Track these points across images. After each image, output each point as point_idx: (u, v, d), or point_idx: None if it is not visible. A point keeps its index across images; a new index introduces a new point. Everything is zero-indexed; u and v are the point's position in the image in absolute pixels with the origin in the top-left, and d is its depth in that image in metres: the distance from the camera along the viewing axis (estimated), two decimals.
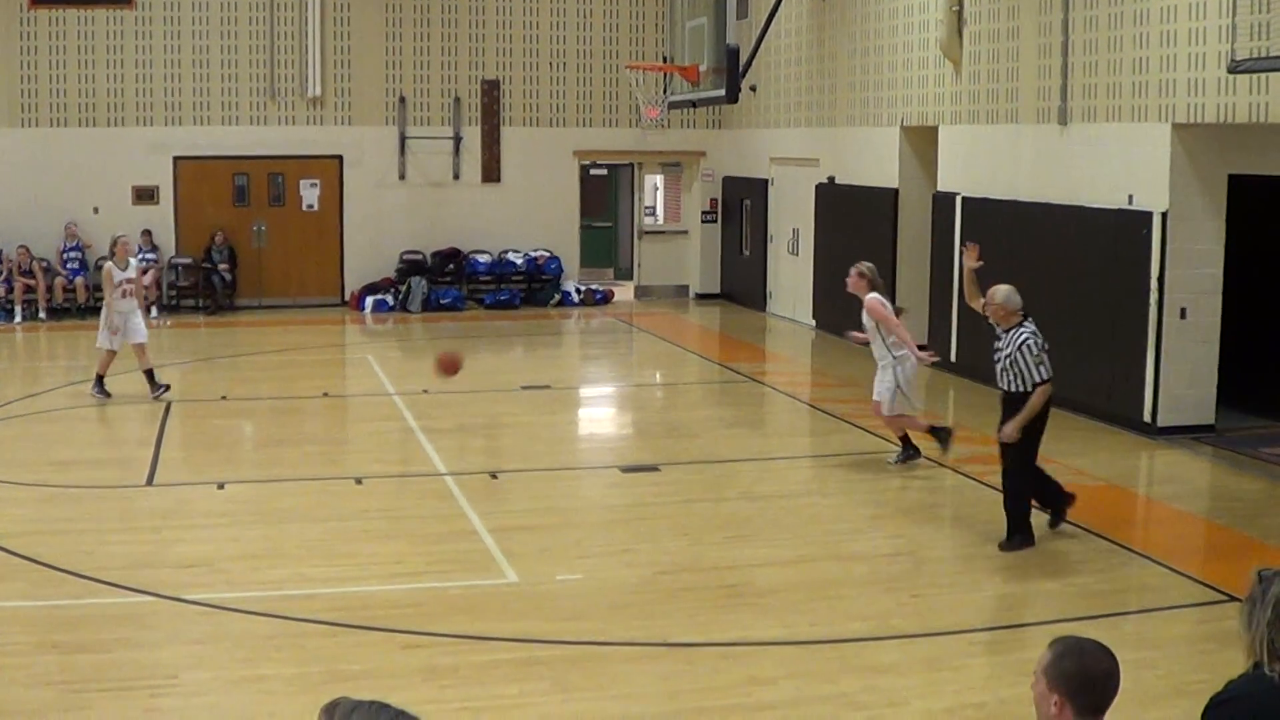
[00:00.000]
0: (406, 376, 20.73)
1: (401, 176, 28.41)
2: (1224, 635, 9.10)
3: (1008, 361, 11.67)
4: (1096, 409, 16.69)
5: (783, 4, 22.77)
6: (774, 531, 12.29)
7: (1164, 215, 15.55)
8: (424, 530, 12.41)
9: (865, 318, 14.67)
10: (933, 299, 20.55)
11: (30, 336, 24.60)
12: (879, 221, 22.13)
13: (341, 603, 10.30)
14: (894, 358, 14.48)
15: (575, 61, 29.16)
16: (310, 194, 28.26)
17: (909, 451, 14.78)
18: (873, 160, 22.55)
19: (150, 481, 14.13)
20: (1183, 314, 15.64)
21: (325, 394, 19.36)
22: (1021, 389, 11.59)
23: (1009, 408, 11.69)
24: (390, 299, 27.80)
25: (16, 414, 17.39)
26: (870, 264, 15.10)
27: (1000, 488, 12.11)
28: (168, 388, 18.28)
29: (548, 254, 28.88)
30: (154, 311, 26.60)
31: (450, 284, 28.28)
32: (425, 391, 19.07)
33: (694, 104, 22.30)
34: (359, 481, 14.06)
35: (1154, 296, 15.64)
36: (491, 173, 28.87)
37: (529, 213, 28.91)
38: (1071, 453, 15.17)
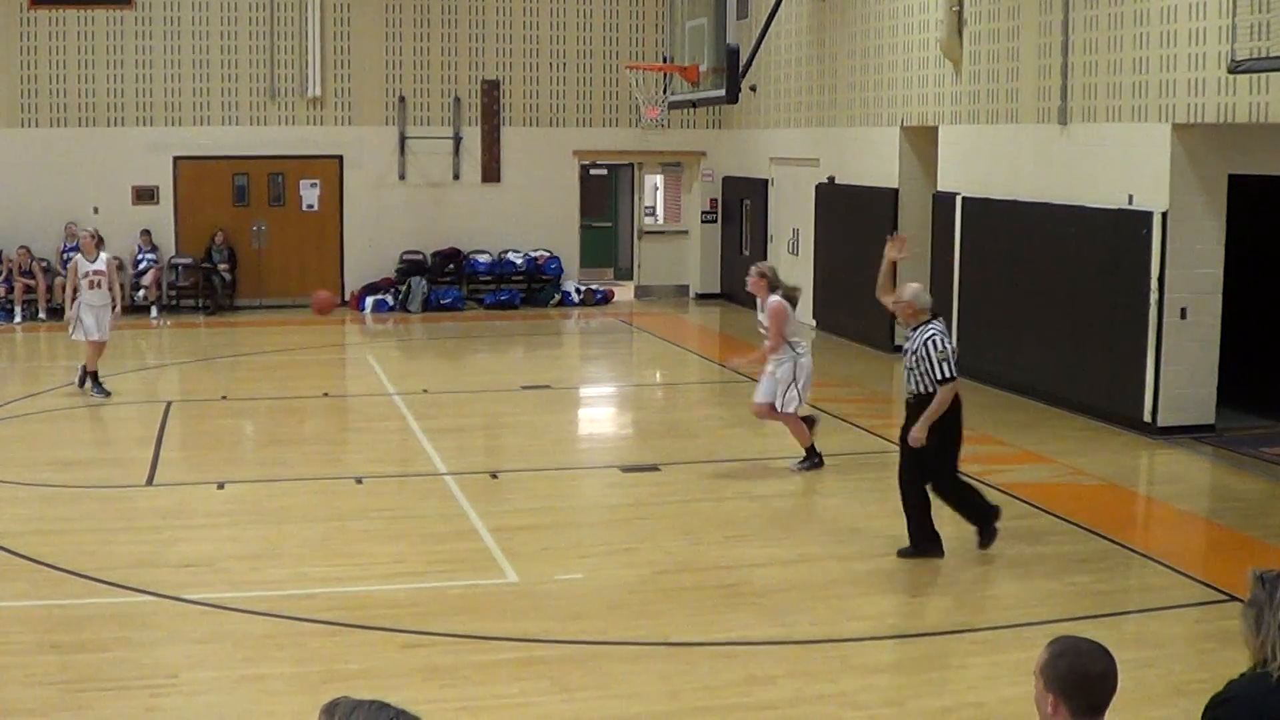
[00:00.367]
0: (406, 376, 20.75)
1: (401, 176, 28.41)
2: (1224, 635, 9.11)
3: (914, 360, 11.22)
4: (1096, 409, 16.70)
5: (783, 4, 22.78)
6: (774, 531, 12.29)
7: (1164, 215, 15.54)
8: (424, 530, 12.41)
9: (762, 318, 14.47)
10: (934, 298, 20.51)
11: (30, 336, 24.60)
12: (879, 221, 22.10)
13: (341, 602, 10.30)
14: (795, 353, 14.24)
15: (575, 61, 29.16)
16: (310, 194, 28.26)
17: (813, 459, 14.45)
18: (873, 160, 22.55)
19: (150, 481, 14.13)
20: (1183, 314, 15.65)
21: (325, 394, 19.36)
22: (928, 390, 11.14)
23: (914, 411, 11.26)
24: (390, 299, 27.80)
25: (17, 414, 17.39)
26: (771, 265, 14.99)
27: (901, 492, 11.58)
28: (107, 394, 18.19)
29: (548, 254, 28.89)
30: (154, 312, 26.68)
31: (450, 284, 28.28)
32: (425, 391, 19.09)
33: (694, 104, 22.32)
34: (359, 481, 14.06)
35: (1154, 296, 15.64)
36: (491, 173, 28.87)
37: (529, 213, 28.91)
38: (1071, 452, 15.20)
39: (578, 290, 28.92)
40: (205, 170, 27.61)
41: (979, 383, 18.89)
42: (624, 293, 30.31)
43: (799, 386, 14.25)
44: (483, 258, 28.59)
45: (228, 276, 27.38)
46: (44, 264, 26.10)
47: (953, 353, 11.21)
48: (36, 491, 13.68)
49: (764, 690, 8.72)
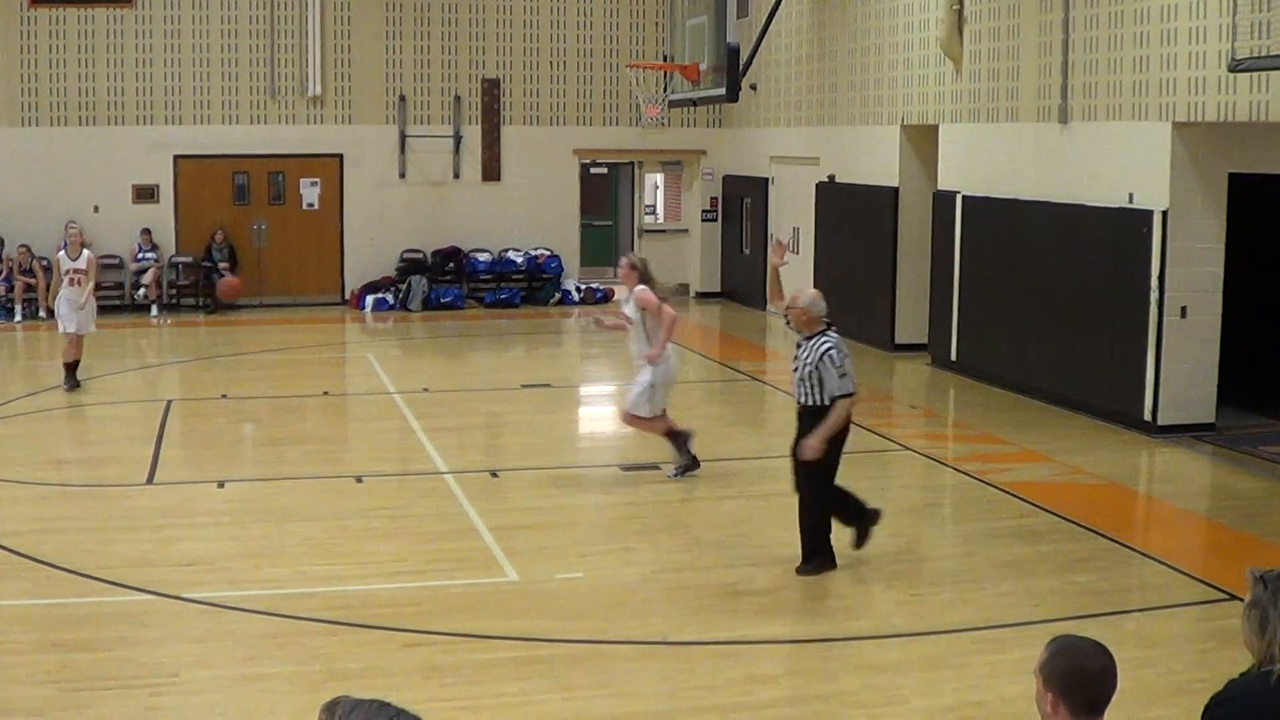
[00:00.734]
0: (407, 375, 20.75)
1: (402, 175, 28.40)
2: (1224, 634, 9.10)
3: (806, 372, 10.81)
4: (1097, 407, 16.70)
5: (783, 2, 22.79)
6: (774, 530, 12.26)
7: (1164, 214, 15.54)
8: (424, 529, 12.41)
9: (631, 310, 14.02)
10: (933, 298, 20.55)
11: (31, 335, 24.59)
12: (879, 220, 22.14)
13: (341, 601, 10.30)
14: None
15: (575, 60, 29.15)
16: (310, 193, 28.26)
17: (688, 462, 14.00)
18: (873, 159, 22.54)
19: (150, 480, 14.13)
20: (1183, 312, 15.64)
21: (325, 393, 19.36)
22: (819, 403, 10.75)
23: (806, 423, 10.85)
24: (390, 298, 27.81)
25: (17, 413, 17.39)
26: (642, 256, 14.42)
27: (801, 504, 11.21)
28: (78, 385, 18.63)
29: (548, 253, 28.89)
30: (155, 310, 26.68)
31: (450, 282, 28.28)
32: (425, 390, 19.09)
33: (694, 103, 22.33)
34: (359, 480, 14.05)
35: (1154, 295, 15.64)
36: (492, 171, 28.87)
37: (529, 211, 28.90)
38: (1072, 450, 15.19)
39: (578, 289, 28.91)
40: (205, 169, 27.62)
41: (979, 381, 18.91)
42: (624, 291, 30.23)
43: (655, 391, 13.81)
44: (483, 256, 28.59)
45: (228, 275, 27.35)
46: (44, 262, 26.03)
47: (850, 365, 10.83)
48: (36, 490, 13.69)
49: (764, 689, 8.73)
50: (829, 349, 10.74)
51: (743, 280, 28.63)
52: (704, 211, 30.02)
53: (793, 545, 11.09)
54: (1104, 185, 16.51)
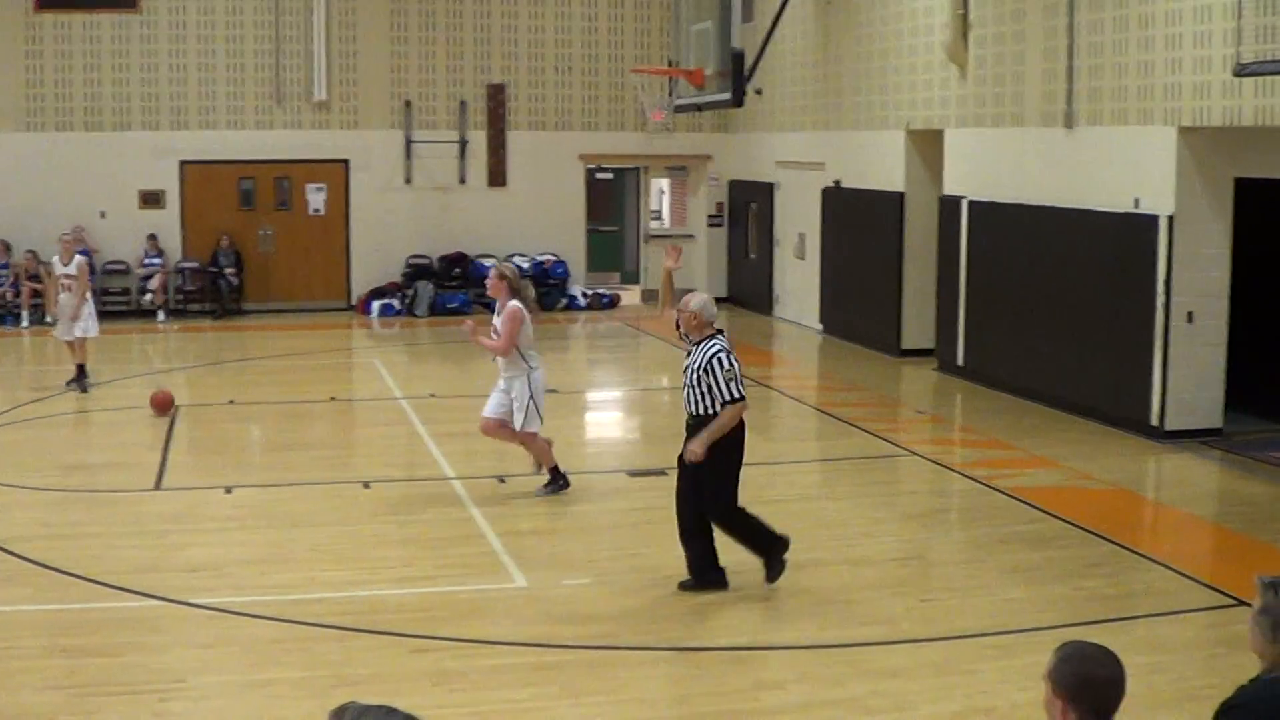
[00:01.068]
0: (413, 381, 20.77)
1: (407, 181, 28.41)
2: (1234, 640, 9.10)
3: (695, 377, 10.47)
4: (1103, 412, 16.68)
5: (787, 7, 22.78)
6: None
7: (1170, 219, 15.53)
8: (432, 534, 12.41)
9: (500, 323, 13.59)
10: (939, 302, 20.54)
11: (38, 341, 24.60)
12: (885, 225, 22.14)
13: (349, 607, 10.31)
14: (529, 366, 13.51)
15: (580, 65, 29.16)
16: (316, 198, 28.29)
17: (559, 481, 13.65)
18: (879, 164, 22.54)
19: (158, 486, 14.15)
20: (1189, 317, 15.63)
21: (332, 398, 19.38)
22: (709, 410, 10.41)
23: (695, 433, 10.53)
24: (397, 303, 27.83)
25: (24, 418, 17.41)
26: (512, 267, 14.03)
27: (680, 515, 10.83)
28: (83, 389, 18.86)
29: (554, 258, 28.88)
30: (161, 316, 26.72)
31: (457, 288, 28.29)
32: (432, 395, 19.09)
33: (699, 107, 22.32)
34: (367, 486, 14.06)
35: (1160, 300, 15.63)
36: (497, 177, 28.87)
37: (535, 217, 28.89)
38: (1078, 456, 15.18)
39: (584, 294, 28.92)
40: (211, 174, 27.66)
41: (985, 387, 18.90)
42: (630, 296, 30.30)
43: (537, 403, 13.46)
44: (489, 262, 28.56)
45: (234, 280, 27.40)
46: (50, 268, 26.12)
47: (739, 371, 10.52)
48: (44, 496, 13.70)
49: (773, 695, 8.73)
50: (717, 352, 10.48)
51: (749, 285, 28.63)
52: (710, 216, 30.00)
53: (802, 551, 11.05)
54: (1110, 190, 16.50)
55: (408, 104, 28.24)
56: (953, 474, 14.74)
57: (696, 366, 10.52)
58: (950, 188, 20.34)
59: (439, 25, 28.41)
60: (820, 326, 24.94)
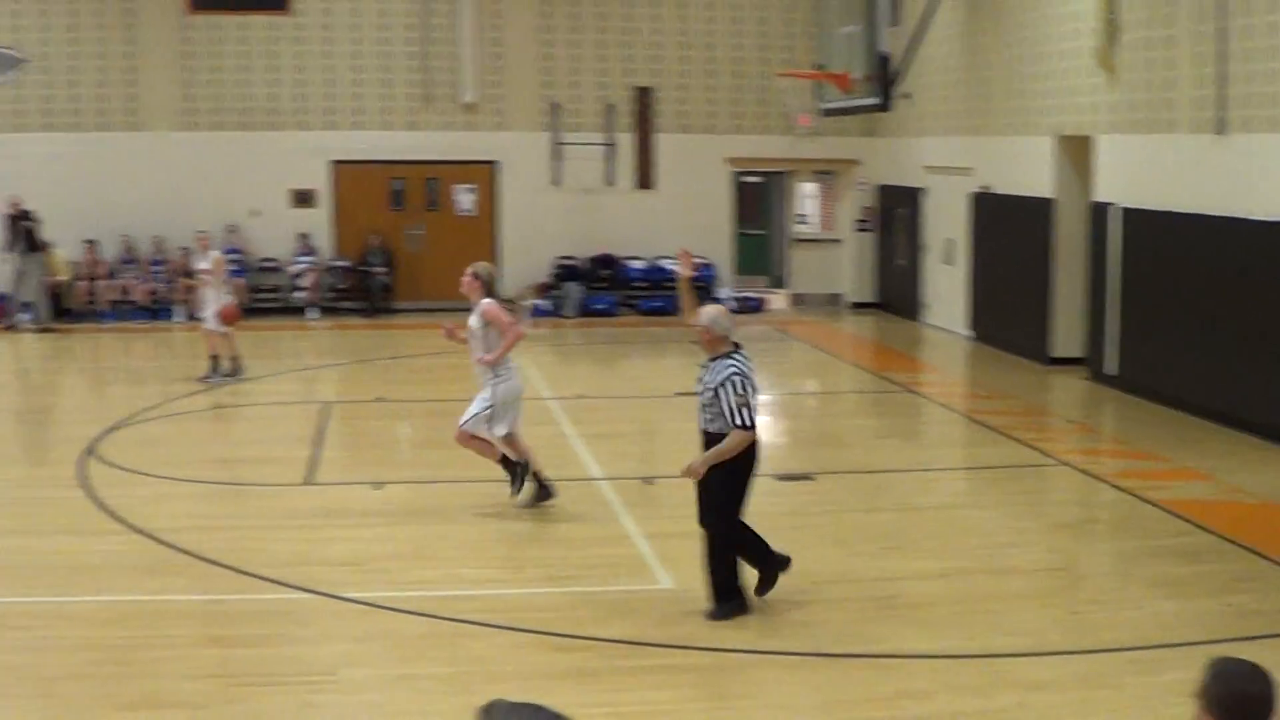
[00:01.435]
0: (561, 381, 20.87)
1: (555, 182, 28.58)
2: None
3: (709, 397, 10.07)
4: (1258, 425, 16.27)
5: (936, 11, 22.60)
6: (928, 543, 12.18)
7: None
8: (578, 534, 12.49)
9: (475, 323, 13.21)
10: (1090, 310, 20.25)
11: (192, 335, 25.05)
12: (1035, 231, 21.86)
13: (495, 604, 10.41)
14: (495, 375, 13.02)
15: (727, 68, 29.16)
16: (465, 199, 28.59)
17: (518, 489, 13.18)
18: (1027, 169, 22.27)
19: (308, 480, 14.38)
20: None
21: None
22: (720, 431, 10.08)
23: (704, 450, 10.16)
24: (546, 304, 28.03)
25: (177, 411, 17.79)
26: (487, 266, 13.55)
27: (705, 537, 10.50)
28: (215, 381, 19.69)
29: (702, 261, 28.90)
30: (313, 312, 27.14)
31: (605, 289, 28.44)
32: (581, 396, 19.18)
33: (847, 112, 22.22)
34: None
35: None
36: (645, 179, 28.94)
37: (683, 219, 28.85)
38: (1231, 469, 14.88)
39: (732, 298, 28.91)
40: (362, 175, 28.07)
41: (1137, 396, 18.59)
42: (778, 300, 30.25)
43: (499, 411, 12.96)
44: (637, 264, 28.70)
45: (385, 279, 27.77)
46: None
47: (753, 394, 10.09)
48: (196, 488, 14.00)
49: (916, 705, 8.67)
50: (731, 375, 10.03)
51: (898, 291, 28.44)
52: (858, 221, 29.84)
53: (948, 558, 10.99)
54: (1264, 198, 16.15)
55: (555, 106, 28.41)
56: (1102, 484, 14.52)
57: (710, 386, 10.13)
58: (1101, 194, 20.03)
59: (585, 28, 28.58)
60: (969, 333, 24.70)
